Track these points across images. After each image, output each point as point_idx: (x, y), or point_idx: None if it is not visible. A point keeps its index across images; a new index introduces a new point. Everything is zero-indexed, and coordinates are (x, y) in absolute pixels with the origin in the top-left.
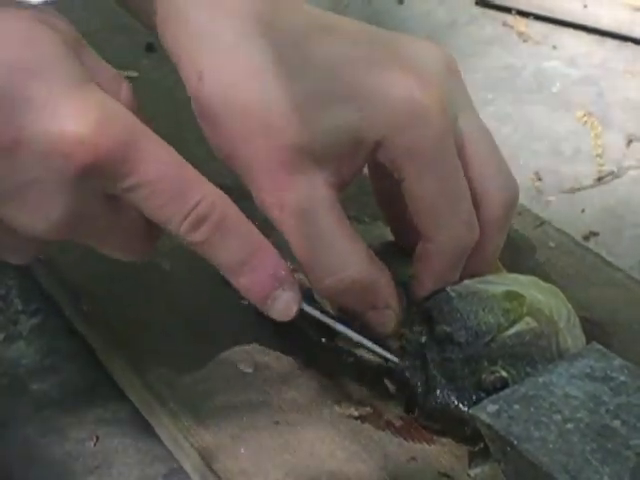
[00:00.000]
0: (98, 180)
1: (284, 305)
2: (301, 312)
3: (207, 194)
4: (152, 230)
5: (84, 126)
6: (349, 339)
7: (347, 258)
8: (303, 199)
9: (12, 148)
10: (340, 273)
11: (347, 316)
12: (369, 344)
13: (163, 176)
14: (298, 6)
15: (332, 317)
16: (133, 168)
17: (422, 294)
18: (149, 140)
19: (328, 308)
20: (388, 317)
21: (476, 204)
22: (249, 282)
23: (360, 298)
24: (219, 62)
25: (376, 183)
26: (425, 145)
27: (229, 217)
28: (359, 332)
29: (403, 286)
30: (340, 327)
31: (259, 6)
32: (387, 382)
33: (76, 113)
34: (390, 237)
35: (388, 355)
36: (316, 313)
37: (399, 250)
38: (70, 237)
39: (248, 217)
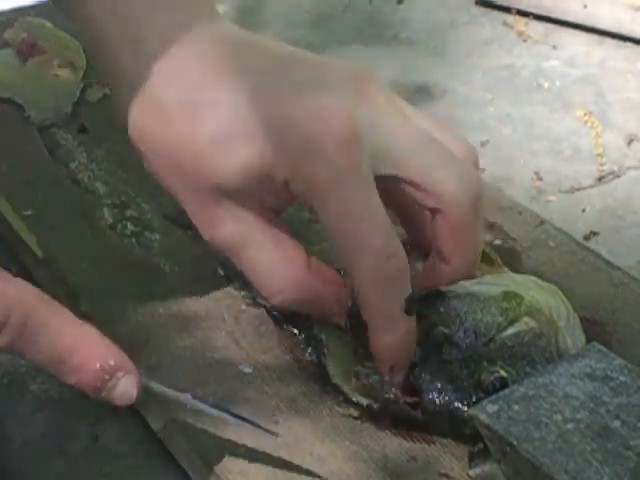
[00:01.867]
0: None
1: (122, 393)
2: (149, 390)
3: (3, 299)
4: None
5: None
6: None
7: (282, 283)
8: (232, 233)
9: None
10: (280, 295)
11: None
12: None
13: None
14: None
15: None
16: None
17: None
18: None
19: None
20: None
21: (436, 213)
22: (76, 380)
23: (309, 308)
24: (140, 107)
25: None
26: (322, 181)
27: (33, 318)
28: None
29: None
30: (186, 400)
31: (173, 58)
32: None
33: None
34: None
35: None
36: (163, 389)
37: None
38: None
39: None
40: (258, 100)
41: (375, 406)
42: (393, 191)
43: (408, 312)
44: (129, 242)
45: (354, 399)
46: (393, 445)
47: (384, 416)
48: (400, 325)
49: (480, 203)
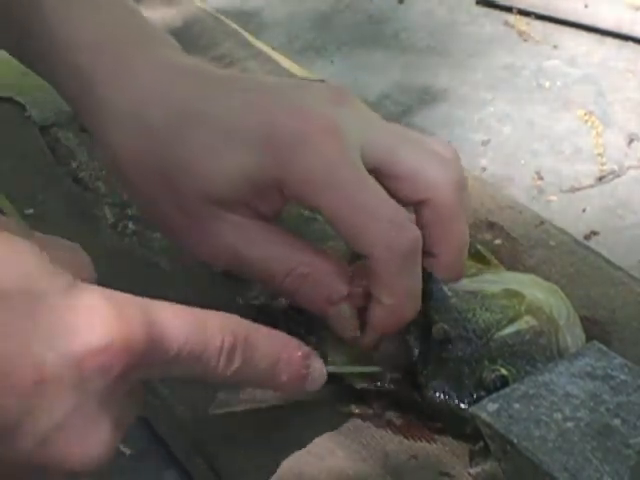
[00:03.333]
0: (135, 376)
1: (317, 375)
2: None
3: (224, 326)
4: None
5: (106, 332)
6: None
7: (285, 265)
8: (231, 240)
9: (37, 387)
10: (285, 278)
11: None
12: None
13: (188, 335)
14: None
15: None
16: (163, 345)
17: (377, 316)
18: (158, 308)
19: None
20: (344, 312)
21: (422, 205)
22: (288, 376)
23: (313, 294)
24: (126, 133)
25: None
26: (318, 172)
27: (250, 335)
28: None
29: None
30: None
31: (160, 73)
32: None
33: (88, 325)
34: None
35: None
36: (339, 369)
37: None
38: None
39: None
40: (244, 109)
41: (376, 387)
42: None
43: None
44: (130, 241)
45: (356, 385)
46: (393, 443)
47: (385, 405)
48: (418, 301)
49: (465, 194)
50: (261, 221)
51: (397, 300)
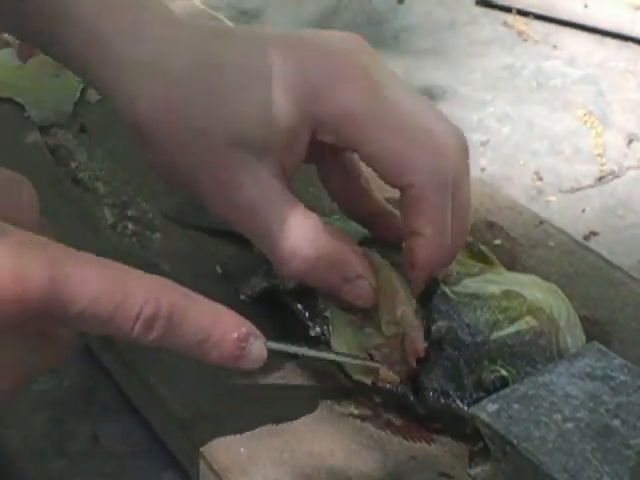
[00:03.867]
0: (32, 326)
1: (256, 355)
2: (270, 350)
3: (148, 293)
4: (77, 340)
5: (1, 280)
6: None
7: (303, 240)
8: (251, 195)
9: None
10: (300, 254)
11: (328, 297)
12: (347, 359)
13: (99, 296)
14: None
15: (298, 345)
16: (66, 301)
17: (433, 248)
18: (72, 264)
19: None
20: (363, 288)
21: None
22: (218, 355)
23: (330, 273)
24: (147, 84)
25: (329, 182)
26: (360, 102)
27: (177, 305)
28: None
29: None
30: (304, 351)
31: (173, 28)
32: (374, 395)
33: None
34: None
35: (370, 364)
36: (281, 347)
37: (384, 244)
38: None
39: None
40: (269, 52)
41: (378, 384)
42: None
43: None
44: (129, 242)
45: (355, 377)
46: (393, 444)
47: (387, 401)
48: (449, 234)
49: (449, 183)
50: (283, 184)
51: (438, 230)
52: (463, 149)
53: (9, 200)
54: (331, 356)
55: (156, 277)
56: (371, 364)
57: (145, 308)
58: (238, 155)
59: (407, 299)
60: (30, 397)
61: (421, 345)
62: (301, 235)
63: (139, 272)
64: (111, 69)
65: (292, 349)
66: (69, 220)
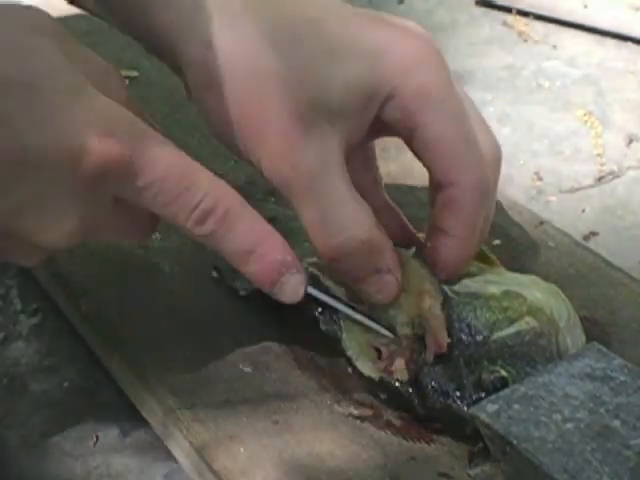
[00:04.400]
0: (107, 187)
1: (292, 288)
2: (307, 295)
3: (211, 188)
4: (153, 219)
5: (89, 137)
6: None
7: (356, 218)
8: (316, 159)
9: (18, 165)
10: (348, 232)
11: (349, 285)
12: (368, 321)
13: (168, 175)
14: None
15: (336, 298)
16: (138, 170)
17: (455, 249)
18: (152, 141)
19: (336, 292)
20: (390, 283)
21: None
22: (257, 270)
23: (365, 260)
24: (225, 30)
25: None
26: (437, 86)
27: (233, 209)
28: (361, 313)
29: None
30: (341, 307)
31: None
32: (379, 392)
33: (81, 123)
34: None
35: (384, 331)
36: (321, 295)
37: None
38: (81, 241)
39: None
40: (358, 21)
41: (385, 380)
42: None
43: None
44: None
45: (365, 373)
46: (393, 445)
47: (390, 399)
48: (483, 239)
49: (490, 192)
50: (343, 158)
51: (468, 233)
52: (500, 163)
53: (100, 82)
54: (360, 317)
55: (223, 181)
56: (385, 332)
57: (205, 200)
58: (312, 113)
59: (435, 293)
60: (30, 397)
61: (445, 339)
62: (353, 214)
63: (209, 172)
64: (184, 10)
65: (330, 301)
66: None
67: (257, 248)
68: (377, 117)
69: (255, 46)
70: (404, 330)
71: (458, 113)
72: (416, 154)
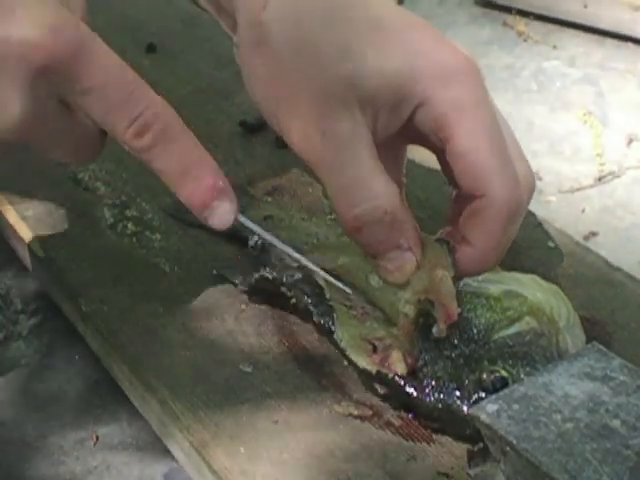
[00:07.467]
0: (51, 82)
1: (222, 215)
2: (243, 226)
3: (151, 104)
4: (101, 138)
5: (39, 31)
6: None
7: (382, 189)
8: (346, 129)
9: None
10: (374, 201)
11: (370, 256)
12: (322, 273)
13: (110, 82)
14: None
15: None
16: (82, 71)
17: (474, 260)
18: (98, 47)
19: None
20: (409, 260)
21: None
22: (190, 192)
23: (387, 233)
24: (287, 14)
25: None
26: (472, 97)
27: (172, 127)
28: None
29: None
30: (281, 245)
31: None
32: (377, 386)
33: (32, 20)
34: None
35: (340, 285)
36: (251, 224)
37: None
38: (25, 140)
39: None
40: (402, 21)
41: (383, 372)
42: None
43: None
44: (129, 242)
45: (360, 365)
46: (393, 444)
47: (389, 394)
48: (503, 254)
49: (521, 211)
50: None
51: (490, 246)
52: (532, 193)
53: None
54: (306, 262)
55: (164, 100)
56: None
57: (145, 114)
58: (347, 91)
59: (450, 268)
60: (30, 397)
61: (455, 309)
62: (379, 185)
63: (152, 90)
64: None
65: (258, 230)
66: (69, 220)
67: (190, 170)
68: (410, 122)
69: (306, 15)
70: (406, 309)
71: (493, 127)
72: (446, 166)
